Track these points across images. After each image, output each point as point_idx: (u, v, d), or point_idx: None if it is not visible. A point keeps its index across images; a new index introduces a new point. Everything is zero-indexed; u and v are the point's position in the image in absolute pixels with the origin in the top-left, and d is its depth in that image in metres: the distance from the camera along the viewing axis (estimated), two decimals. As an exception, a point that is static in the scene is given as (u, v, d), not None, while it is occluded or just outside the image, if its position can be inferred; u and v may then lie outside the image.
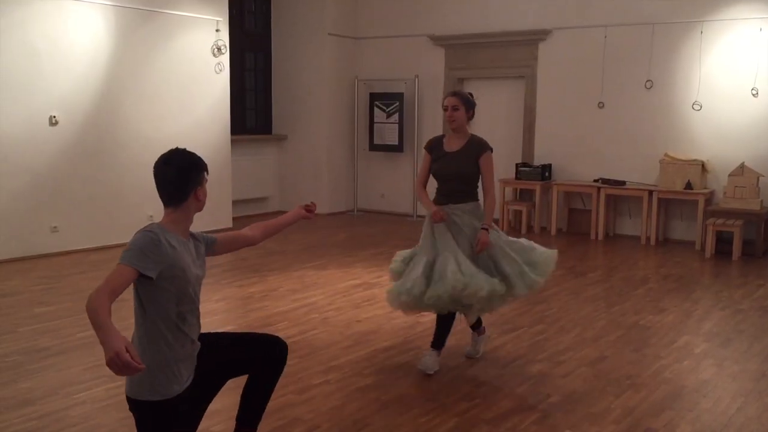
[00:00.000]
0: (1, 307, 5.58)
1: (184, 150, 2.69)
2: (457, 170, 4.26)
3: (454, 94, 4.32)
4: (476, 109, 4.37)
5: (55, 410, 3.66)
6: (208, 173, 2.71)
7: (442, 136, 4.47)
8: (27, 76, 7.16)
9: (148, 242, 2.48)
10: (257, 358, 2.90)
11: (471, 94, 4.35)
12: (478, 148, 4.25)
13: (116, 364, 2.16)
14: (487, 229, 4.13)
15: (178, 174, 2.60)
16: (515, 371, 4.32)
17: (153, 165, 2.64)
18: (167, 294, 2.54)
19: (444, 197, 4.32)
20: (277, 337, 3.01)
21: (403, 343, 4.81)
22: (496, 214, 9.73)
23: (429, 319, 5.36)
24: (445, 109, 4.25)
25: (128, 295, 2.56)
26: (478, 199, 4.28)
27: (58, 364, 4.36)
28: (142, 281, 2.48)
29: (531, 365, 4.42)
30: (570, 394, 3.96)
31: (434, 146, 4.41)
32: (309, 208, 3.33)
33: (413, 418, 3.62)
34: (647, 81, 8.76)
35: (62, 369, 4.27)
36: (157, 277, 2.47)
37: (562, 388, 4.05)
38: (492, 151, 4.27)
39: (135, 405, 2.57)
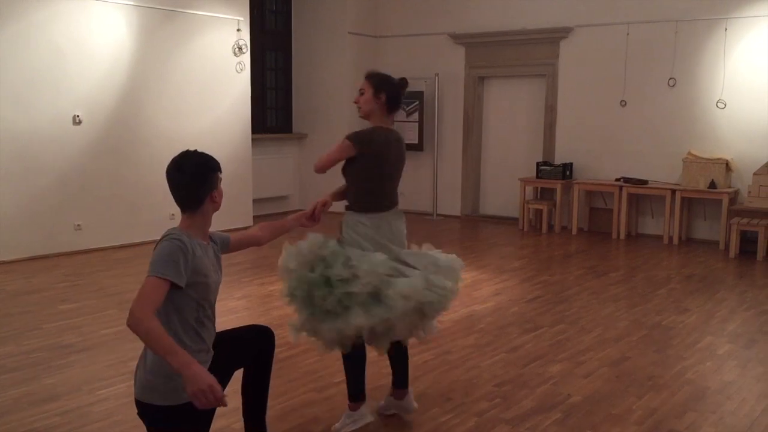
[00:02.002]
0: (26, 304, 5.65)
1: (195, 153, 2.65)
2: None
3: (367, 74, 3.49)
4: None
5: (78, 406, 3.70)
6: (221, 172, 2.69)
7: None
8: (51, 75, 7.25)
9: (176, 251, 2.48)
10: (248, 351, 2.92)
11: (403, 80, 3.49)
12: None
13: (206, 398, 2.17)
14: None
15: (191, 181, 2.59)
16: (536, 371, 4.29)
17: (166, 169, 2.63)
18: (189, 300, 2.54)
19: None
20: (262, 326, 3.03)
21: (422, 342, 4.79)
22: (515, 214, 9.69)
23: (450, 318, 5.36)
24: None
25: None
26: (353, 209, 3.39)
27: (82, 360, 4.41)
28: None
29: (552, 365, 4.39)
30: (591, 395, 3.93)
31: None
32: (313, 217, 3.36)
33: (432, 417, 3.61)
34: (670, 79, 8.66)
35: (85, 366, 4.32)
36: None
37: (584, 388, 4.02)
38: (348, 140, 3.32)
39: (144, 409, 2.56)
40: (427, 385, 4.05)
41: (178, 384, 2.41)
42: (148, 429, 2.62)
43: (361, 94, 3.43)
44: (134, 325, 2.30)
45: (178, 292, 2.48)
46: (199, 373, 2.21)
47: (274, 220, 3.28)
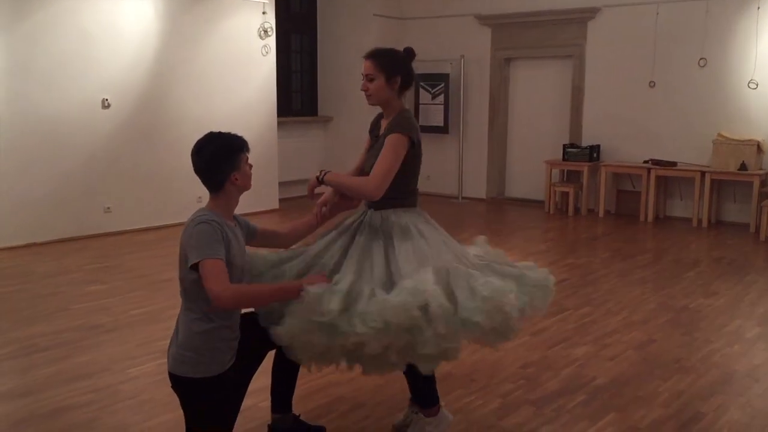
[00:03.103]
0: (57, 285, 5.76)
1: (218, 135, 2.65)
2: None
3: (372, 55, 2.99)
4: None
5: (108, 384, 3.78)
6: (248, 151, 2.68)
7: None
8: (80, 59, 7.33)
9: (214, 232, 2.52)
10: None
11: (410, 51, 3.07)
12: (389, 129, 2.96)
13: (314, 281, 2.60)
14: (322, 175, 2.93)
15: (208, 164, 2.60)
16: (561, 353, 4.28)
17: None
18: None
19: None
20: None
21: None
22: (541, 196, 9.62)
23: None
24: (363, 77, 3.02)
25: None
26: (404, 205, 2.97)
27: (111, 340, 4.49)
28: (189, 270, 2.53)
29: (577, 347, 4.38)
30: (617, 377, 3.91)
31: (373, 127, 3.22)
32: (317, 221, 3.08)
33: (457, 398, 3.63)
34: (701, 59, 8.50)
35: (115, 345, 4.40)
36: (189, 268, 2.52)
37: (609, 370, 4.01)
38: (404, 134, 2.90)
39: (177, 381, 2.61)
40: (452, 366, 4.05)
41: (207, 358, 2.52)
42: (181, 401, 2.67)
43: (370, 80, 2.97)
44: (226, 302, 2.43)
45: None
46: (308, 281, 2.60)
47: (298, 220, 3.15)
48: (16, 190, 6.97)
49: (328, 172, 2.92)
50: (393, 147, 2.86)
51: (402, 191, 2.96)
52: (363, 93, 3.03)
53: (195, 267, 2.48)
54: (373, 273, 2.73)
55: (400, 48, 3.12)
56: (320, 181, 2.91)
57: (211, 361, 2.57)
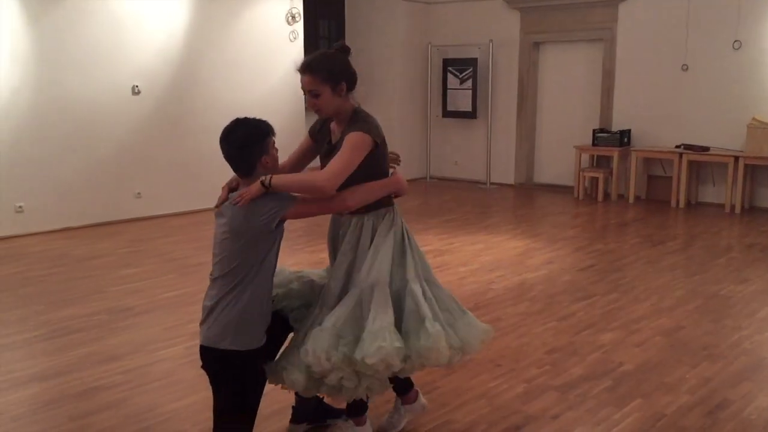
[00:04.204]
0: (90, 268, 5.88)
1: (244, 121, 2.69)
2: None
3: (309, 69, 2.73)
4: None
5: (139, 366, 3.86)
6: (274, 135, 2.72)
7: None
8: (111, 47, 7.43)
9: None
10: None
11: (343, 47, 2.84)
12: (347, 129, 2.77)
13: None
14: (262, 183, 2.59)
15: (239, 150, 2.65)
16: (587, 339, 4.27)
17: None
18: (273, 249, 2.69)
19: None
20: None
21: (472, 309, 4.75)
22: (570, 182, 9.54)
23: (502, 286, 5.36)
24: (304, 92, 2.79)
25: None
26: (388, 204, 2.87)
27: (143, 322, 4.58)
28: (262, 233, 2.61)
29: (603, 333, 4.36)
30: (643, 363, 3.89)
31: (318, 130, 3.01)
32: None
33: (482, 382, 3.64)
34: (735, 41, 8.33)
35: (146, 327, 4.49)
36: (275, 229, 2.64)
37: (636, 357, 3.98)
38: (366, 133, 2.71)
39: (217, 356, 2.65)
40: (477, 351, 4.07)
41: (249, 330, 2.64)
42: (217, 378, 2.71)
43: (315, 96, 2.73)
44: (346, 204, 2.69)
45: (269, 238, 2.65)
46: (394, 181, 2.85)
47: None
48: (51, 177, 7.12)
49: (272, 177, 2.61)
50: (352, 145, 2.67)
51: None
52: (312, 109, 2.82)
53: (269, 228, 2.61)
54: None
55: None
56: (266, 187, 2.58)
57: (253, 334, 2.66)
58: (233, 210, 2.62)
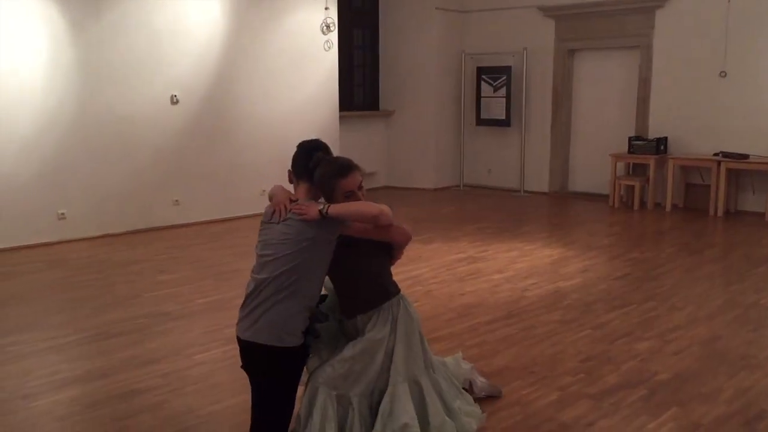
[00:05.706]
0: (128, 274, 6.01)
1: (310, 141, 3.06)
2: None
3: (355, 164, 3.04)
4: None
5: (177, 369, 3.94)
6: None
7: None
8: (150, 58, 7.60)
9: None
10: None
11: (318, 148, 3.03)
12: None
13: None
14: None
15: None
16: (622, 347, 4.23)
17: (297, 145, 2.99)
18: (326, 258, 2.83)
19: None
20: None
21: (506, 317, 4.82)
22: (605, 190, 9.46)
23: (534, 293, 5.34)
24: (350, 193, 2.90)
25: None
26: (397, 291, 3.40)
27: (180, 327, 4.67)
28: (322, 241, 2.77)
29: (639, 342, 4.32)
30: (679, 373, 3.85)
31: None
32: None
33: (515, 390, 3.64)
34: (775, 47, 8.21)
35: (184, 332, 4.57)
36: (334, 239, 2.83)
37: (672, 366, 3.94)
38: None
39: (258, 350, 2.72)
40: (510, 358, 4.07)
41: (292, 330, 2.75)
42: (256, 373, 2.80)
43: (360, 188, 2.96)
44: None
45: (329, 245, 2.82)
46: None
47: None
48: (92, 185, 7.30)
49: (330, 205, 2.77)
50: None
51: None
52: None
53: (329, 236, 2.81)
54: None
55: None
56: (324, 215, 2.73)
57: (297, 333, 2.77)
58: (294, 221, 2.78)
